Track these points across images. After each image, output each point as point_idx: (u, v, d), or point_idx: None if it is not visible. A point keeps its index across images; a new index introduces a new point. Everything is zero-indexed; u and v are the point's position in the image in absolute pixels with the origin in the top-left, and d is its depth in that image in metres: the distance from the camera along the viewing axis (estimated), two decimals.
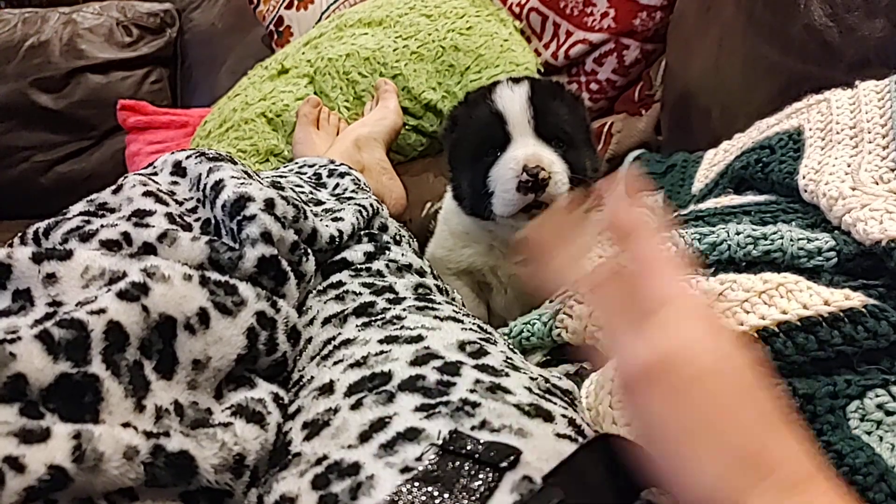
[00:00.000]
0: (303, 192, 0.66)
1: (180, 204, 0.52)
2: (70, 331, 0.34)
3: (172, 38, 1.91)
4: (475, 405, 0.36)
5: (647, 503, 0.33)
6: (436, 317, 0.48)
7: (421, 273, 0.59)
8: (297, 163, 0.83)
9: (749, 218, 0.51)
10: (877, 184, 0.47)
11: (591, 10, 1.19)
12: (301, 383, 0.44)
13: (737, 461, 0.27)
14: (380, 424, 0.35)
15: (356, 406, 0.37)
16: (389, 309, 0.49)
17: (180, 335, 0.38)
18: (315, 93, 1.24)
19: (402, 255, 0.60)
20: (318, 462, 0.34)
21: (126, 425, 0.33)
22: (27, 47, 1.76)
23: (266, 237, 0.47)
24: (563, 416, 0.38)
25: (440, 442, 0.33)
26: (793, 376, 0.39)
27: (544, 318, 0.57)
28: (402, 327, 0.45)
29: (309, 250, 0.53)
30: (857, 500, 0.28)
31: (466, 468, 0.31)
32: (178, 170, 0.55)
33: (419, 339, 0.43)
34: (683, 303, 0.31)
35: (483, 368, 0.40)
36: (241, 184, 0.50)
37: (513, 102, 0.68)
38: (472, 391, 0.38)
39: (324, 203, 0.66)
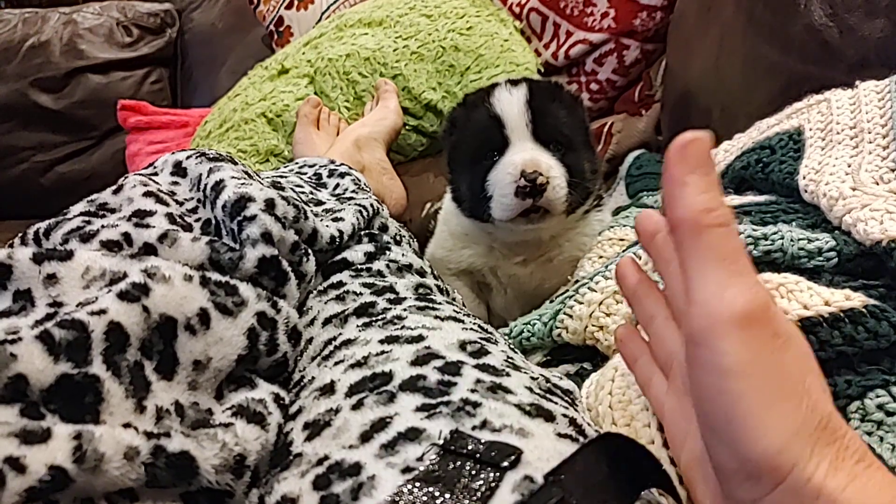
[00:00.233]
0: (303, 193, 0.66)
1: (181, 204, 0.52)
2: (71, 331, 0.34)
3: (172, 39, 1.91)
4: (476, 405, 0.36)
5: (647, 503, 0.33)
6: (436, 317, 0.48)
7: (421, 273, 0.59)
8: (297, 163, 0.83)
9: (749, 218, 0.51)
10: (877, 184, 0.47)
11: (591, 11, 1.19)
12: (302, 384, 0.44)
13: (809, 420, 0.27)
14: (381, 424, 0.35)
15: (357, 406, 0.37)
16: (390, 309, 0.49)
17: (181, 336, 0.38)
18: (315, 93, 1.24)
19: (403, 255, 0.60)
20: (320, 462, 0.34)
21: (127, 426, 0.33)
22: (27, 47, 1.76)
23: (266, 237, 0.47)
24: (564, 415, 0.38)
25: (441, 442, 0.33)
26: None
27: (545, 319, 0.57)
28: (402, 327, 0.45)
29: (309, 250, 0.53)
30: None
31: (468, 468, 0.31)
32: (179, 170, 0.55)
33: (420, 339, 0.43)
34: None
35: (484, 368, 0.40)
36: (242, 184, 0.50)
37: (511, 105, 0.68)
38: (472, 391, 0.38)
39: (324, 203, 0.66)
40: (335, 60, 1.24)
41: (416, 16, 1.25)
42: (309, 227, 0.53)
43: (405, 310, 0.48)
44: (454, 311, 0.50)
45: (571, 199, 0.68)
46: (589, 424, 0.39)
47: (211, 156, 0.55)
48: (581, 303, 0.54)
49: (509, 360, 0.43)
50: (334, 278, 0.55)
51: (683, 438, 0.35)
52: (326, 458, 0.35)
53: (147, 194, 0.50)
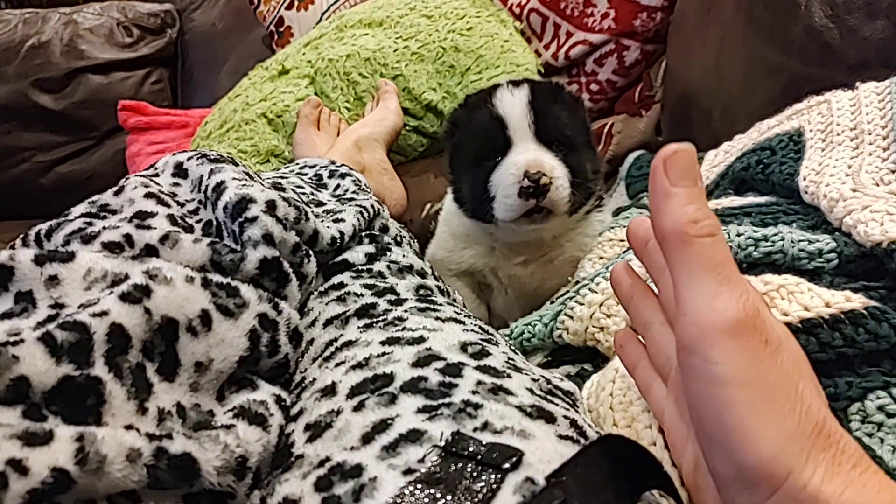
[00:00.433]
0: (304, 194, 0.66)
1: (182, 205, 0.52)
2: (72, 333, 0.34)
3: (173, 39, 1.91)
4: (477, 406, 0.36)
5: None
6: (437, 318, 0.48)
7: (422, 274, 0.59)
8: (297, 164, 0.83)
9: (750, 219, 0.51)
10: (877, 185, 0.47)
11: (591, 11, 1.19)
12: (303, 385, 0.44)
13: (803, 426, 0.28)
14: (382, 426, 0.35)
15: (358, 408, 0.37)
16: (391, 310, 0.49)
17: (182, 337, 0.38)
18: (316, 93, 1.24)
19: (404, 256, 0.60)
20: (321, 464, 0.34)
21: (129, 427, 0.33)
22: (28, 48, 1.76)
23: (268, 239, 0.47)
24: (565, 417, 0.38)
25: (442, 443, 0.33)
26: None
27: (545, 320, 0.57)
28: (403, 329, 0.45)
29: (310, 252, 0.53)
30: None
31: (469, 470, 0.31)
32: (180, 171, 0.55)
33: (421, 340, 0.43)
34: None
35: (485, 370, 0.40)
36: (243, 185, 0.50)
37: (513, 106, 0.68)
38: (474, 392, 0.38)
39: (325, 204, 0.66)
40: (336, 61, 1.24)
41: (417, 16, 1.25)
42: (310, 228, 0.53)
43: (406, 311, 0.48)
44: (455, 312, 0.50)
45: (574, 200, 0.68)
46: (590, 426, 0.39)
47: (212, 157, 0.55)
48: (582, 304, 0.54)
49: (510, 361, 0.43)
50: (335, 279, 0.55)
51: (684, 443, 0.35)
52: (328, 459, 0.35)
53: (148, 195, 0.50)
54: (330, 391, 0.40)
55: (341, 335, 0.47)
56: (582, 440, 0.36)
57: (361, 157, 1.02)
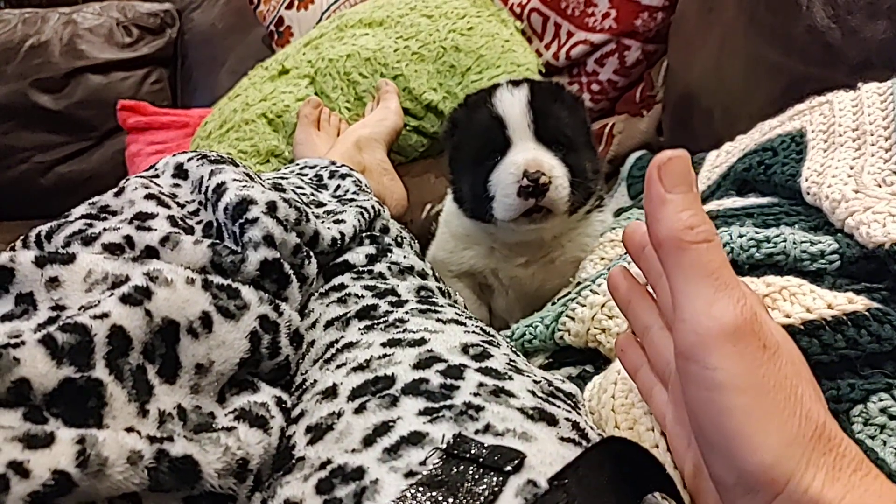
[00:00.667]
0: (304, 194, 0.66)
1: (182, 206, 0.52)
2: (73, 335, 0.33)
3: (172, 39, 1.91)
4: (479, 409, 0.36)
5: None
6: (438, 319, 0.48)
7: (423, 275, 0.59)
8: (298, 164, 0.83)
9: (752, 220, 0.51)
10: (879, 186, 0.47)
11: (592, 11, 1.19)
12: (304, 387, 0.43)
13: (803, 431, 0.28)
14: (383, 428, 0.35)
15: (359, 410, 0.37)
16: (392, 312, 0.49)
17: (183, 339, 0.38)
18: (316, 93, 1.24)
19: (404, 257, 0.60)
20: (322, 466, 0.34)
21: (130, 430, 0.33)
22: (27, 48, 1.76)
23: (268, 240, 0.47)
24: (567, 419, 0.38)
25: (444, 446, 0.33)
26: None
27: (546, 321, 0.57)
28: (404, 330, 0.45)
29: (311, 253, 0.53)
30: None
31: (471, 472, 0.31)
32: (180, 172, 0.55)
33: (422, 342, 0.43)
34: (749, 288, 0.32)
35: (486, 371, 0.40)
36: (244, 186, 0.49)
37: (513, 106, 0.68)
38: (475, 395, 0.38)
39: (325, 205, 0.65)
40: (336, 61, 1.24)
41: (417, 16, 1.25)
42: (310, 229, 0.53)
43: (407, 313, 0.48)
44: (456, 313, 0.50)
45: (573, 199, 0.68)
46: (592, 428, 0.39)
47: (212, 158, 0.54)
48: (583, 305, 0.54)
49: (511, 363, 0.43)
50: (336, 280, 0.55)
51: (685, 448, 0.35)
52: (329, 461, 0.35)
53: (148, 197, 0.50)
54: (331, 393, 0.40)
55: (342, 337, 0.47)
56: (584, 442, 0.36)
57: (362, 158, 1.02)
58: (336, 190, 0.73)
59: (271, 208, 0.48)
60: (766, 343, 0.29)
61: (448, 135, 0.78)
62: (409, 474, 0.32)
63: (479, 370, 0.40)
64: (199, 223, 0.51)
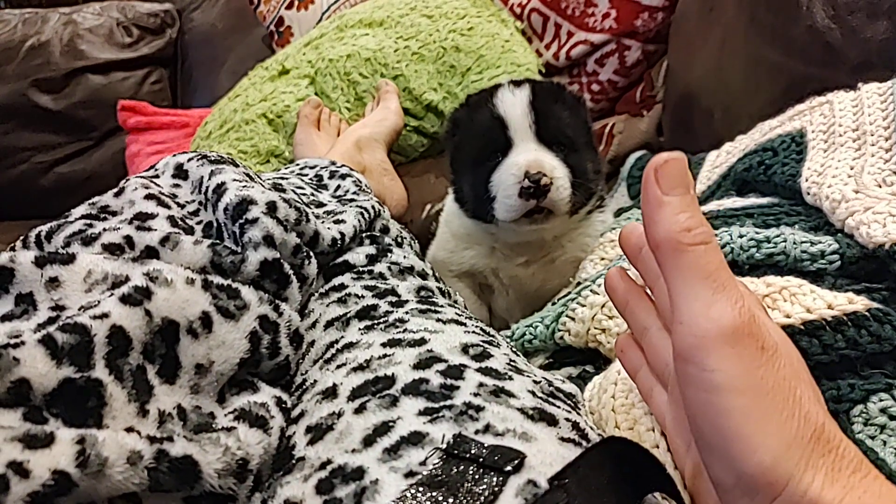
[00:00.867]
0: (304, 195, 0.66)
1: (182, 207, 0.52)
2: (73, 335, 0.33)
3: (173, 39, 1.91)
4: (479, 409, 0.36)
5: None
6: (438, 319, 0.48)
7: (423, 275, 0.59)
8: (298, 164, 0.83)
9: (752, 220, 0.51)
10: (880, 186, 0.47)
11: (592, 11, 1.19)
12: (304, 387, 0.43)
13: (802, 432, 0.28)
14: (384, 428, 0.35)
15: (360, 410, 0.37)
16: (392, 312, 0.49)
17: (183, 339, 0.38)
18: (316, 93, 1.24)
19: (404, 257, 0.60)
20: (322, 466, 0.34)
21: (129, 430, 0.33)
22: (27, 48, 1.76)
23: (268, 241, 0.47)
24: (567, 419, 0.38)
25: (444, 446, 0.33)
26: None
27: (547, 321, 0.57)
28: (405, 330, 0.45)
29: (311, 253, 0.53)
30: None
31: (471, 472, 0.31)
32: (180, 172, 0.55)
33: (422, 342, 0.43)
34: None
35: (486, 372, 0.40)
36: (244, 187, 0.49)
37: (514, 107, 0.68)
38: (475, 395, 0.38)
39: (325, 205, 0.65)
40: (336, 61, 1.24)
41: (417, 16, 1.25)
42: (311, 229, 0.53)
43: (407, 313, 0.48)
44: (456, 313, 0.50)
45: (574, 200, 0.68)
46: (592, 428, 0.39)
47: (212, 158, 0.54)
48: (583, 305, 0.54)
49: (512, 363, 0.43)
50: (336, 281, 0.55)
51: (686, 449, 0.35)
52: (329, 462, 0.35)
53: (148, 197, 0.50)
54: (331, 393, 0.40)
55: (342, 337, 0.47)
56: (584, 443, 0.36)
57: (362, 158, 1.02)
58: (336, 190, 0.73)
59: (271, 208, 0.48)
60: (765, 344, 0.29)
61: (449, 135, 0.78)
62: (410, 474, 0.32)
63: (479, 370, 0.40)
64: (199, 223, 0.51)
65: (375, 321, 0.48)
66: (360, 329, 0.47)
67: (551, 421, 0.37)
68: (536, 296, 0.75)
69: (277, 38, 1.60)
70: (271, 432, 0.38)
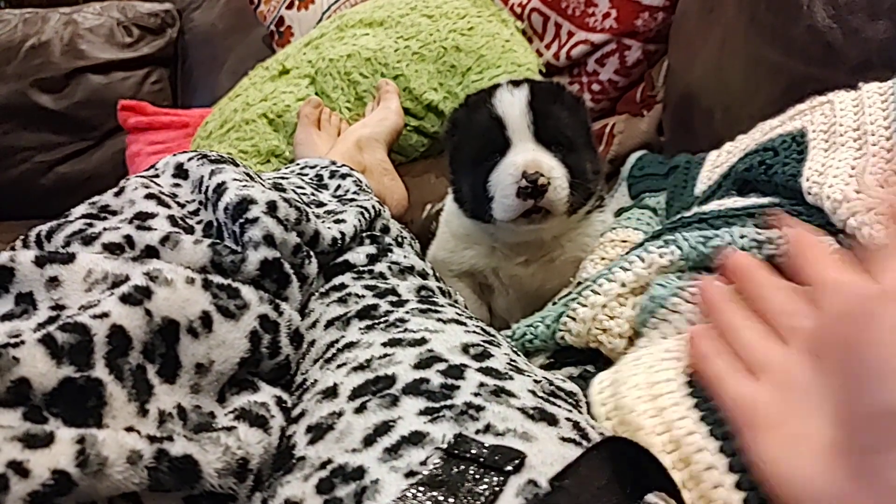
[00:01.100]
0: (304, 194, 0.66)
1: (182, 206, 0.52)
2: (73, 335, 0.33)
3: (173, 39, 1.91)
4: (479, 409, 0.36)
5: None
6: (439, 319, 0.48)
7: (423, 275, 0.59)
8: (298, 164, 0.83)
9: (753, 220, 0.51)
10: (881, 187, 0.47)
11: (592, 11, 1.19)
12: (304, 387, 0.43)
13: None
14: (384, 428, 0.35)
15: (360, 410, 0.37)
16: (392, 312, 0.49)
17: (183, 339, 0.38)
18: (316, 93, 1.24)
19: (405, 257, 0.60)
20: (323, 466, 0.34)
21: (129, 430, 0.33)
22: (28, 48, 1.76)
23: (268, 240, 0.47)
24: (568, 419, 0.38)
25: (445, 446, 0.33)
26: None
27: (547, 321, 0.57)
28: (405, 330, 0.45)
29: (311, 253, 0.53)
30: None
31: (471, 472, 0.31)
32: (181, 172, 0.55)
33: (423, 341, 0.43)
34: None
35: (487, 371, 0.40)
36: (244, 186, 0.50)
37: (512, 107, 0.68)
38: (476, 395, 0.37)
39: (325, 205, 0.65)
40: (336, 61, 1.24)
41: (418, 16, 1.25)
42: (311, 229, 0.53)
43: (407, 312, 0.48)
44: (456, 313, 0.50)
45: (573, 200, 0.68)
46: (592, 428, 0.39)
47: (213, 157, 0.54)
48: (584, 305, 0.54)
49: (512, 363, 0.43)
50: (336, 280, 0.55)
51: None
52: (329, 461, 0.34)
53: (149, 196, 0.50)
54: (331, 393, 0.40)
55: (342, 336, 0.47)
56: (584, 442, 0.36)
57: (362, 158, 1.02)
58: (336, 190, 0.73)
59: (271, 208, 0.48)
60: None
61: (448, 135, 0.78)
62: (410, 474, 0.32)
63: (479, 370, 0.40)
64: (199, 223, 0.51)
65: (376, 321, 0.48)
66: (360, 329, 0.47)
67: (552, 421, 0.37)
68: (536, 296, 0.75)
69: (278, 37, 1.60)
70: (271, 432, 0.38)
